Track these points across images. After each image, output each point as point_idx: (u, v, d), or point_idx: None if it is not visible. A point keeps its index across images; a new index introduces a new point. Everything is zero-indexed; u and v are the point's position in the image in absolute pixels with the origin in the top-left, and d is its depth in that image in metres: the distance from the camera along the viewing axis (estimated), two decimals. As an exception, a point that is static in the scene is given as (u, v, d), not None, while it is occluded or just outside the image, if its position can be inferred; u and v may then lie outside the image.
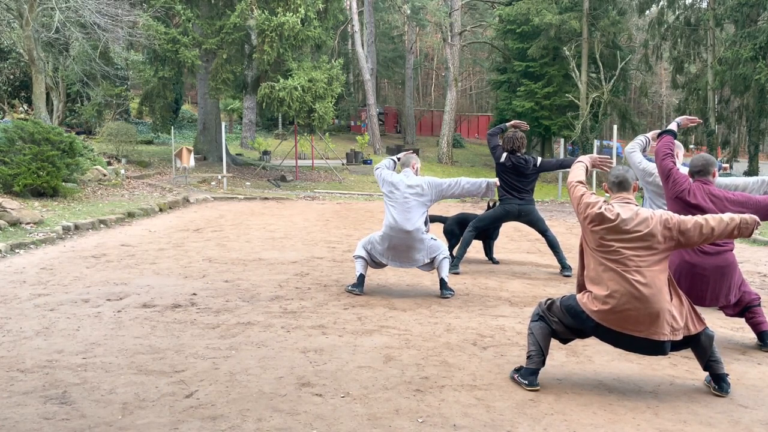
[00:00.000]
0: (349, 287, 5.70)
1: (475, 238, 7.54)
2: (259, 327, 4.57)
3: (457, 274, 6.60)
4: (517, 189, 6.72)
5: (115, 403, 3.22)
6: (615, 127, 20.04)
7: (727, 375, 3.50)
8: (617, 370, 3.85)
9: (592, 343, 4.38)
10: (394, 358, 3.96)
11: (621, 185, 3.49)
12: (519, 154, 6.70)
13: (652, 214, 3.34)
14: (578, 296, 3.47)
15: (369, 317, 4.90)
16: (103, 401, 3.25)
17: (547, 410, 3.23)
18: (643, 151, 5.38)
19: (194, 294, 5.55)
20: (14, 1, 14.42)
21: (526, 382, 3.50)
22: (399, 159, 5.90)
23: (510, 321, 4.90)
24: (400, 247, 5.49)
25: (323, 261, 7.23)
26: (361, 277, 5.67)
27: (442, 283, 5.63)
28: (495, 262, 7.42)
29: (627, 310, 3.25)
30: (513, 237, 9.41)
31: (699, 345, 3.42)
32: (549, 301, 3.63)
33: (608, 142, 24.12)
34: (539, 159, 6.84)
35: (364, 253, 5.69)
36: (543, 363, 3.54)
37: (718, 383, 3.47)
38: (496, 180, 5.92)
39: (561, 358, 4.05)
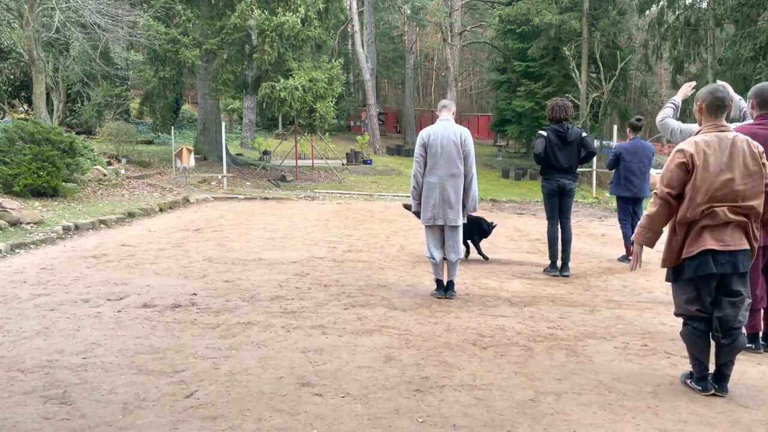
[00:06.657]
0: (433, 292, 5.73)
1: (474, 236, 7.58)
2: (259, 327, 4.57)
3: None
4: (559, 163, 6.45)
5: (115, 403, 3.22)
6: (615, 127, 19.99)
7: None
8: (617, 370, 3.85)
9: (592, 342, 4.39)
10: (394, 358, 3.96)
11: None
12: (564, 124, 6.42)
13: None
14: None
15: (369, 317, 4.90)
16: (103, 401, 3.25)
17: (547, 410, 3.23)
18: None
19: (194, 294, 5.55)
20: (14, 1, 14.42)
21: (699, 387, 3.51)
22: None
23: (510, 321, 4.90)
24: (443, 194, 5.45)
25: (323, 261, 7.23)
26: (438, 282, 5.68)
27: (450, 285, 5.66)
28: (485, 258, 7.46)
29: None
30: (513, 237, 9.41)
31: (734, 344, 3.41)
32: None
33: (608, 142, 24.10)
34: (584, 134, 6.54)
35: (428, 252, 5.66)
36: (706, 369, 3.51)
37: (721, 383, 3.47)
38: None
39: (561, 358, 4.05)
